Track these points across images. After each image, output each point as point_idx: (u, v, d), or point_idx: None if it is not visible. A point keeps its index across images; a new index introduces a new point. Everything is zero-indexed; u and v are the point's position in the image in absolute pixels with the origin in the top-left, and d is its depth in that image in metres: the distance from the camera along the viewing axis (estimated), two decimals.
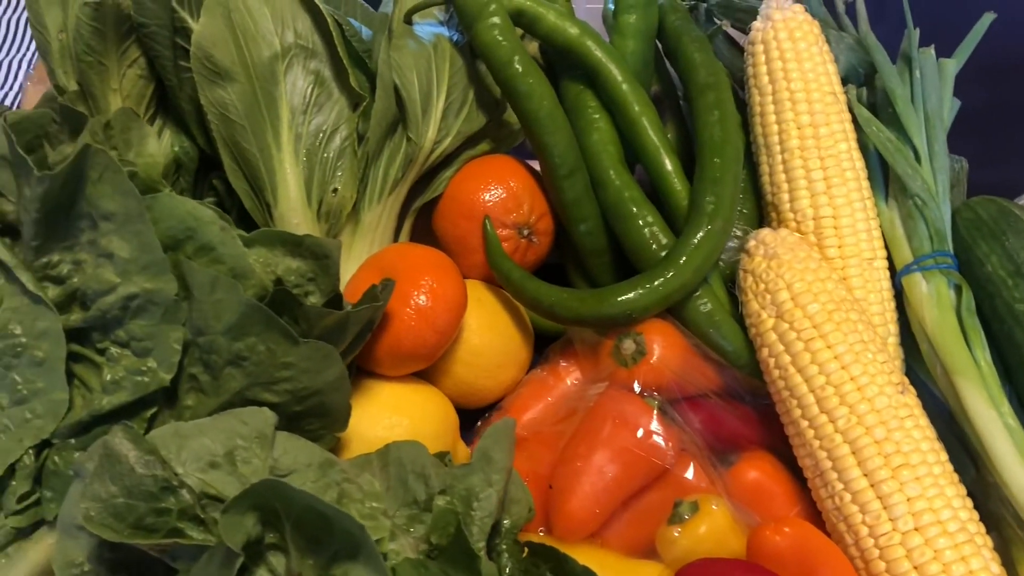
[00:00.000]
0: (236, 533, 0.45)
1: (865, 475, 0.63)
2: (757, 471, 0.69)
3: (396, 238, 0.76)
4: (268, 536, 0.48)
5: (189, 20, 0.67)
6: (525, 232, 0.76)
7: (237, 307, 0.54)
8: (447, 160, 0.77)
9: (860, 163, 0.76)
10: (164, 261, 0.53)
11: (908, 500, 0.61)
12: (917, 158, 0.76)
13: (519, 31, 0.75)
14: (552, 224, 0.78)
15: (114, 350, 0.56)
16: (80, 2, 0.64)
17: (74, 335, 0.56)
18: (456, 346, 0.71)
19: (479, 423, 0.75)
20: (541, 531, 0.65)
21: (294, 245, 0.58)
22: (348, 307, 0.61)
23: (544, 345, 0.78)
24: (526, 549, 0.58)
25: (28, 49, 1.07)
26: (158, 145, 0.61)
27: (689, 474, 0.64)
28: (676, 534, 0.62)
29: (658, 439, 0.64)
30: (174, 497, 0.51)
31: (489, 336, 0.72)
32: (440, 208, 0.77)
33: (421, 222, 0.79)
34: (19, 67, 1.05)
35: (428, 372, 0.71)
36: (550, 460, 0.66)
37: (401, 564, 0.52)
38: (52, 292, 0.56)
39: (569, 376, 0.73)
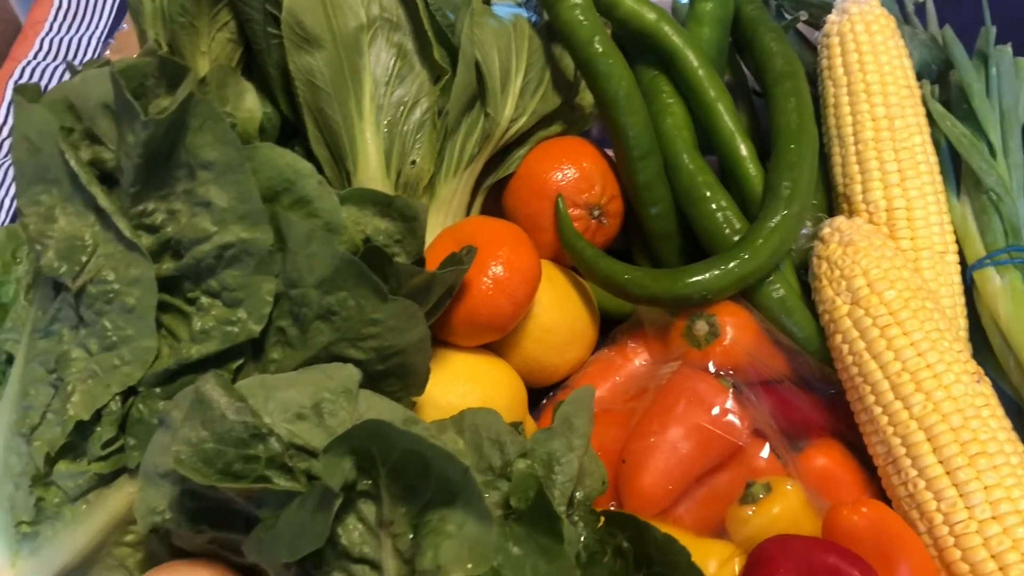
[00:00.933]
0: (336, 474, 0.46)
1: (941, 462, 0.63)
2: (826, 458, 0.68)
3: (468, 214, 0.76)
4: (361, 483, 0.48)
5: None
6: (596, 213, 0.76)
7: (331, 260, 0.54)
8: (521, 139, 0.78)
9: (934, 158, 0.76)
10: (262, 211, 0.54)
11: (985, 488, 0.61)
12: (992, 153, 0.76)
13: None
14: (622, 207, 0.78)
15: (204, 300, 0.56)
16: None
17: (165, 284, 0.57)
18: (526, 321, 0.71)
19: (544, 401, 0.75)
20: (612, 506, 0.65)
21: (384, 205, 0.59)
22: None
23: (609, 328, 0.78)
24: (602, 519, 0.58)
25: (98, 27, 1.08)
26: (256, 100, 0.61)
27: (764, 454, 0.64)
28: (749, 513, 0.62)
29: (732, 418, 0.64)
30: (263, 445, 0.52)
31: (559, 313, 0.72)
32: (512, 186, 0.78)
33: (490, 201, 0.79)
34: (88, 43, 1.06)
35: (498, 347, 0.71)
36: (621, 437, 0.66)
37: None
38: (145, 241, 0.56)
39: (637, 357, 0.73)
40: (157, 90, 0.59)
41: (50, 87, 1.01)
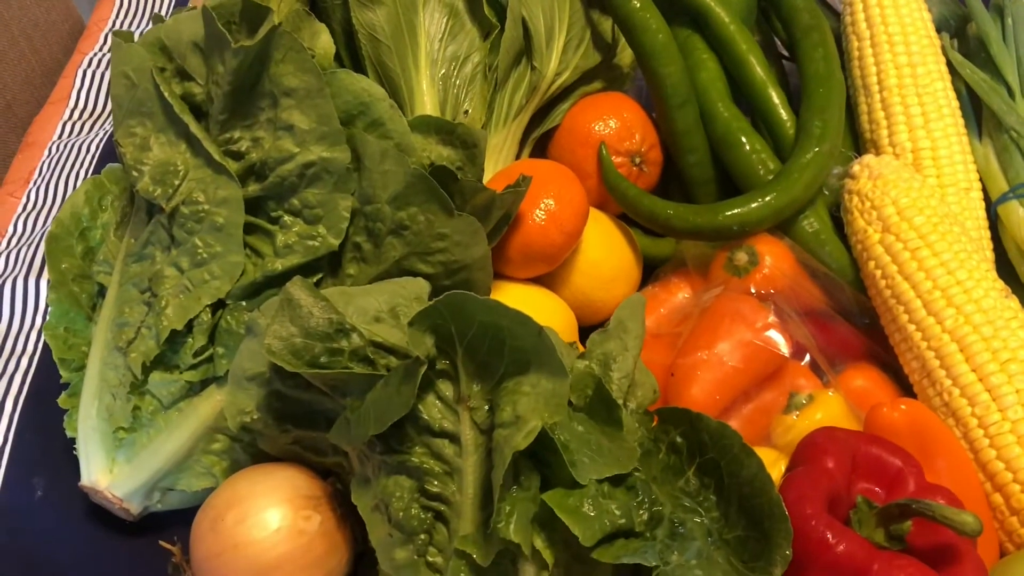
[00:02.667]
0: (420, 345, 0.50)
1: (973, 370, 0.66)
2: (864, 378, 0.72)
3: None
4: (439, 363, 0.53)
5: None
6: (637, 160, 0.81)
7: (403, 176, 0.59)
8: (564, 93, 0.83)
9: (955, 102, 0.81)
10: (340, 132, 0.59)
11: (1017, 392, 0.64)
12: (1011, 95, 0.80)
13: None
14: (661, 156, 0.83)
15: (287, 218, 0.61)
16: None
17: (249, 206, 0.62)
18: (575, 256, 0.75)
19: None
20: None
21: (447, 132, 0.64)
22: None
23: (650, 272, 0.82)
24: (655, 418, 0.62)
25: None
26: (330, 40, 0.67)
27: (805, 360, 0.68)
28: (794, 418, 0.65)
29: (775, 332, 0.68)
30: (346, 340, 0.56)
31: (605, 250, 0.77)
32: (556, 137, 0.83)
33: (536, 153, 0.84)
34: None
35: (549, 282, 0.76)
36: (669, 356, 0.70)
37: None
38: (232, 166, 0.61)
39: (680, 291, 0.77)
40: (238, 35, 0.64)
41: None
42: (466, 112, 0.76)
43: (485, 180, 0.77)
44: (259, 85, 0.60)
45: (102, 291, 0.69)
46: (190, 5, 1.03)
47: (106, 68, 1.08)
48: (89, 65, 1.08)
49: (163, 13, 1.16)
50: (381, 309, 0.58)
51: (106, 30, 1.14)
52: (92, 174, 0.96)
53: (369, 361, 0.56)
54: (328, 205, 0.60)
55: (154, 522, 0.67)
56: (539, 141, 0.84)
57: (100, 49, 1.12)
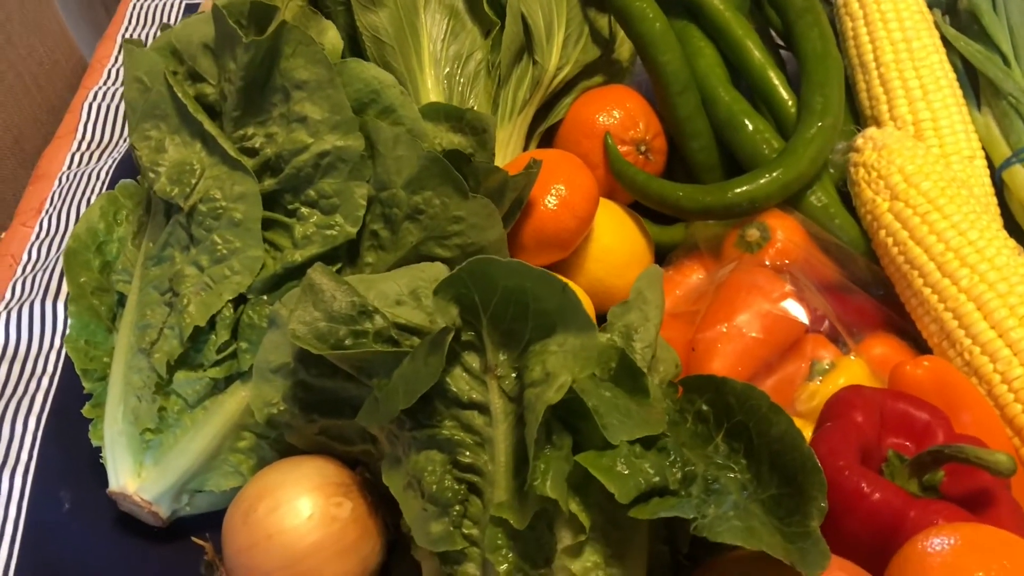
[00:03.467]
0: (446, 315, 0.50)
1: (992, 327, 0.66)
2: (883, 347, 0.72)
3: None
4: (464, 334, 0.53)
5: None
6: (642, 148, 0.82)
7: (417, 160, 0.60)
8: (566, 88, 0.84)
9: (952, 74, 0.82)
10: (353, 120, 0.60)
11: None
12: (1007, 63, 0.81)
13: None
14: (665, 144, 0.84)
15: (304, 210, 0.62)
16: None
17: (266, 201, 0.62)
18: (587, 243, 0.76)
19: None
20: None
21: (456, 119, 0.65)
22: None
23: (661, 261, 0.82)
24: (680, 389, 0.62)
25: None
26: (337, 35, 0.68)
27: (824, 330, 0.68)
28: (816, 384, 0.66)
29: (793, 302, 0.68)
30: (370, 322, 0.56)
31: (618, 235, 0.77)
32: (562, 131, 0.84)
33: (542, 148, 0.85)
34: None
35: (563, 269, 0.76)
36: (687, 332, 0.71)
37: None
38: (247, 163, 0.62)
39: (694, 273, 0.78)
40: (248, 33, 0.65)
41: (119, 107, 1.09)
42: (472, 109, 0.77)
43: None
44: (271, 81, 0.61)
45: (122, 300, 0.69)
46: None
47: (111, 101, 1.10)
48: (94, 99, 1.10)
49: None
50: (402, 292, 0.59)
51: (108, 66, 1.16)
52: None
53: (393, 341, 0.56)
54: (344, 194, 0.61)
55: (183, 528, 0.66)
56: (544, 136, 0.85)
57: (104, 83, 1.13)
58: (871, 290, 0.75)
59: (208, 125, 0.61)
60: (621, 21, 0.80)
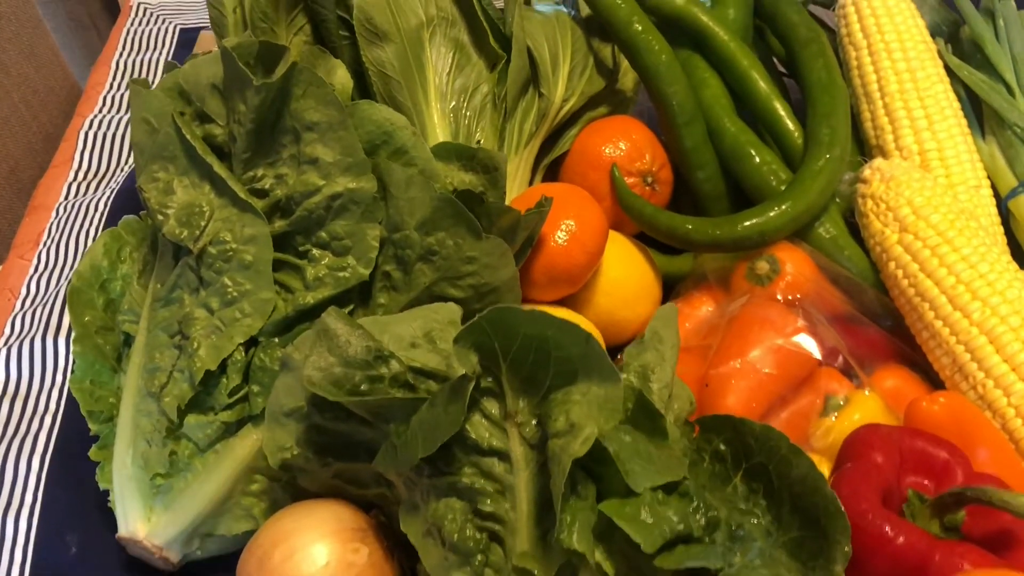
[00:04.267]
0: (466, 362, 0.50)
1: (1005, 360, 0.66)
2: (895, 378, 0.72)
3: None
4: (484, 381, 0.52)
5: None
6: (648, 180, 0.81)
7: (430, 202, 0.59)
8: (572, 119, 0.84)
9: (956, 104, 0.82)
10: (366, 162, 0.59)
11: None
12: (1011, 93, 0.82)
13: None
14: (671, 175, 0.83)
15: (315, 252, 0.61)
16: None
17: (276, 243, 0.62)
18: (596, 277, 0.76)
19: (619, 356, 0.78)
20: None
21: (468, 158, 0.64)
22: None
23: (669, 292, 0.82)
24: (696, 428, 0.61)
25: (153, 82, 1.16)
26: (347, 74, 0.68)
27: (838, 362, 0.68)
28: (832, 420, 0.65)
29: (806, 336, 0.68)
30: (385, 367, 0.56)
31: (626, 268, 0.77)
32: (568, 163, 0.83)
33: (548, 180, 0.85)
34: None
35: (572, 304, 0.76)
36: (700, 367, 0.70)
37: None
38: (257, 204, 0.61)
39: (703, 305, 0.77)
40: (256, 73, 0.65)
41: (116, 136, 1.08)
42: (478, 142, 0.77)
43: None
44: (280, 122, 0.60)
45: (128, 340, 0.68)
46: None
47: (107, 129, 1.09)
48: (90, 127, 1.09)
49: (156, 75, 1.17)
50: (416, 335, 0.58)
51: (104, 93, 1.15)
52: (102, 231, 0.97)
53: (410, 386, 0.55)
54: (356, 235, 0.60)
55: (194, 572, 0.65)
56: (550, 167, 0.84)
57: (99, 111, 1.12)
58: (881, 321, 0.75)
59: (217, 167, 0.60)
60: (626, 53, 0.80)
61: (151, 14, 1.30)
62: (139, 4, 1.31)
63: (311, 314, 0.61)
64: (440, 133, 0.76)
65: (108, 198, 0.99)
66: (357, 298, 0.62)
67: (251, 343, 0.62)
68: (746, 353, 0.68)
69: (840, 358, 0.69)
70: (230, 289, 0.61)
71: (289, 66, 0.59)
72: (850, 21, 0.85)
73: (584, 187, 0.81)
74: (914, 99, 0.81)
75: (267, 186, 0.62)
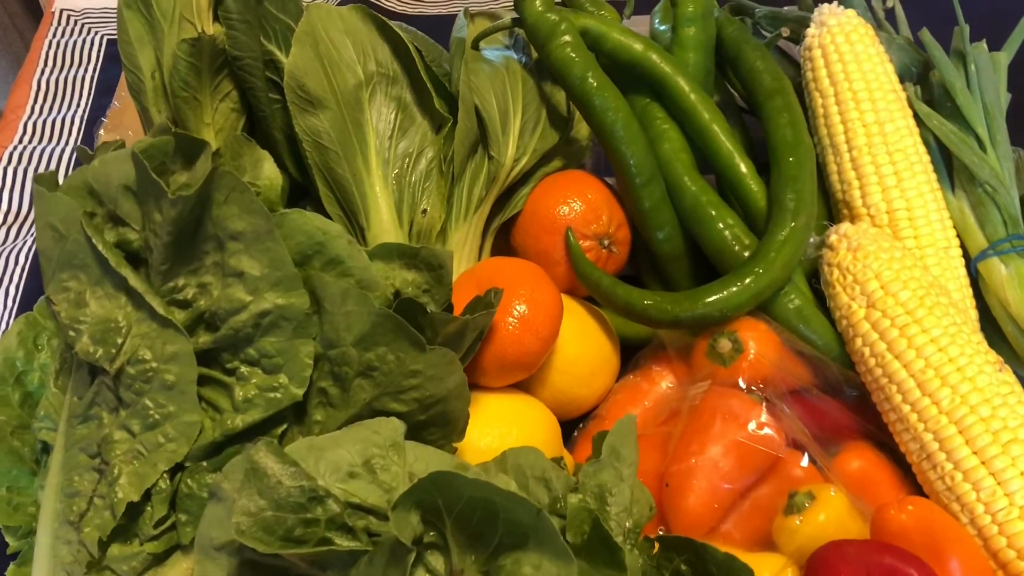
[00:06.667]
0: (406, 529, 0.46)
1: (975, 453, 0.64)
2: (861, 459, 0.69)
3: (480, 255, 0.77)
4: (427, 535, 0.48)
5: (277, 52, 0.69)
6: (606, 242, 0.77)
7: (368, 317, 0.55)
8: (524, 178, 0.79)
9: (926, 157, 0.78)
10: (296, 276, 0.54)
11: (1022, 474, 0.62)
12: (982, 147, 0.78)
13: None
14: (629, 234, 0.79)
15: (244, 369, 0.56)
16: (176, 41, 0.66)
17: (202, 358, 0.57)
18: (552, 356, 0.72)
19: (575, 433, 0.75)
20: (661, 530, 0.66)
21: (410, 257, 0.60)
22: None
23: (629, 354, 0.79)
24: (656, 545, 0.58)
25: (79, 106, 1.08)
26: (274, 168, 0.62)
27: (803, 463, 0.65)
28: (797, 523, 0.62)
29: (768, 431, 0.65)
30: (321, 507, 0.52)
31: (582, 344, 0.73)
32: (520, 224, 0.79)
33: (500, 241, 0.80)
34: (72, 123, 1.06)
35: (526, 384, 0.72)
36: (660, 460, 0.67)
37: None
38: (178, 316, 0.56)
39: (663, 380, 0.74)
40: (173, 167, 0.59)
41: (39, 170, 1.01)
42: (424, 211, 0.72)
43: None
44: (202, 229, 0.55)
45: (46, 448, 0.63)
46: (114, 101, 0.97)
47: (28, 163, 1.02)
48: (9, 161, 1.01)
49: (84, 97, 1.10)
50: (355, 463, 0.54)
51: (24, 118, 1.08)
52: (24, 287, 0.90)
53: (348, 529, 0.51)
54: (288, 353, 0.56)
55: None
56: (503, 227, 0.80)
57: (19, 141, 1.05)
58: (846, 393, 0.73)
59: (133, 280, 0.55)
60: (581, 109, 0.75)
61: (75, 22, 1.21)
62: (61, 11, 1.22)
63: (241, 437, 0.56)
64: (383, 204, 0.71)
65: (31, 247, 0.92)
66: (292, 415, 0.58)
67: (177, 468, 0.57)
68: (706, 449, 0.65)
69: (805, 455, 0.66)
70: (152, 411, 0.56)
71: (210, 171, 0.53)
72: (816, 66, 0.80)
73: (538, 251, 0.77)
74: (882, 154, 0.77)
75: (189, 296, 0.56)
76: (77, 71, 1.14)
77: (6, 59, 1.37)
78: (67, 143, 1.03)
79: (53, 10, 1.22)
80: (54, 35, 1.19)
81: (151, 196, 0.54)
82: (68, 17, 1.22)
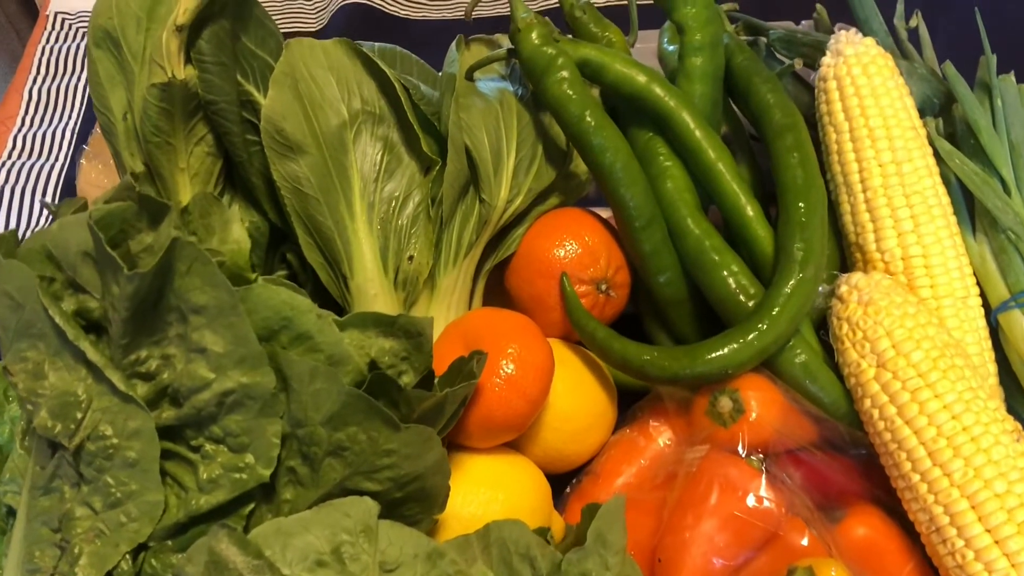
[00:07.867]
0: None
1: (988, 531, 0.60)
2: (866, 527, 0.66)
3: (471, 301, 0.74)
4: None
5: (255, 93, 0.66)
6: (603, 287, 0.73)
7: (337, 396, 0.52)
8: (518, 218, 0.75)
9: (946, 199, 0.74)
10: (261, 354, 0.51)
11: None
12: (1006, 190, 0.73)
13: None
14: (629, 276, 0.75)
15: (209, 447, 0.54)
16: (147, 84, 0.62)
17: (166, 433, 0.54)
18: (542, 412, 0.68)
19: (568, 489, 0.72)
20: None
21: (387, 325, 0.56)
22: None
23: (626, 401, 0.75)
24: None
25: (71, 118, 1.06)
26: (243, 230, 0.59)
27: (804, 542, 0.61)
28: None
29: (768, 504, 0.62)
30: None
31: (575, 399, 0.70)
32: (513, 266, 0.75)
33: (492, 282, 0.77)
34: (63, 136, 1.03)
35: (516, 441, 0.68)
36: (652, 528, 0.64)
37: None
38: (141, 389, 0.54)
39: (660, 436, 0.71)
40: (139, 225, 0.56)
41: (27, 190, 0.98)
42: (411, 258, 0.68)
43: (438, 328, 0.69)
44: (164, 300, 0.52)
45: (12, 511, 0.61)
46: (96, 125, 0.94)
47: (17, 181, 0.99)
48: (7, 181, 0.99)
49: (76, 108, 1.06)
50: (323, 550, 0.51)
51: (15, 131, 1.05)
52: None
53: None
54: (254, 432, 0.53)
55: None
56: (494, 270, 0.76)
57: (9, 156, 1.02)
58: (853, 452, 0.69)
59: (92, 354, 0.52)
60: (578, 149, 0.71)
61: (69, 26, 1.18)
62: (56, 14, 1.19)
63: (207, 518, 0.54)
64: (367, 250, 0.67)
65: None
66: (260, 493, 0.55)
67: (140, 548, 0.54)
68: (702, 521, 0.62)
69: (806, 531, 0.62)
70: (113, 489, 0.53)
71: (170, 242, 0.50)
72: (831, 99, 0.75)
73: (531, 296, 0.74)
74: (899, 196, 0.72)
75: (153, 368, 0.54)
76: (69, 80, 1.11)
77: (4, 59, 1.34)
78: (56, 159, 1.01)
79: (48, 13, 1.19)
80: (48, 40, 1.16)
81: (109, 268, 0.51)
82: (63, 21, 1.19)
